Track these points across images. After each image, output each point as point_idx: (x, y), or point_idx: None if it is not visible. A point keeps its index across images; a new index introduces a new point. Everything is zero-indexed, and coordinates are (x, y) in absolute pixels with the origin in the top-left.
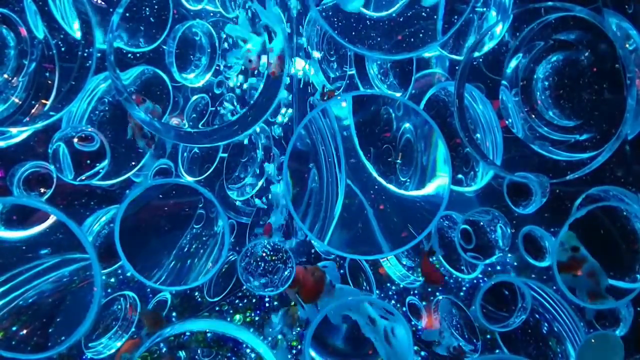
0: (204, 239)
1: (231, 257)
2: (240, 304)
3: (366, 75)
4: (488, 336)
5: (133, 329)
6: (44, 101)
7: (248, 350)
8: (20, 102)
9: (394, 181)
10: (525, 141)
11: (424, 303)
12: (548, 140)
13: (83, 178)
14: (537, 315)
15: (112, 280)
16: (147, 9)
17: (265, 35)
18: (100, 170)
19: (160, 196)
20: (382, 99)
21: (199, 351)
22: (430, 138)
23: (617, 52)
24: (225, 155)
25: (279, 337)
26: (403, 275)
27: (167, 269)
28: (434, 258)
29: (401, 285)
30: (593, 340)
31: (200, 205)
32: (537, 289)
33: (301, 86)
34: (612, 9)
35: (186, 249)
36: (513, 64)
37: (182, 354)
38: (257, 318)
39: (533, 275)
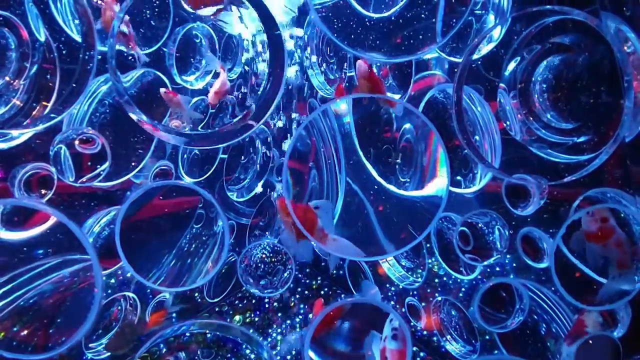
0: (203, 239)
1: (231, 258)
2: (240, 305)
3: None
4: (487, 337)
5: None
6: (45, 103)
7: (248, 351)
8: (22, 105)
9: (394, 181)
10: (523, 143)
11: (423, 304)
12: (546, 142)
13: (84, 180)
14: (535, 317)
15: (112, 281)
16: (148, 12)
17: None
18: (101, 172)
19: (161, 197)
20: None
21: (198, 352)
22: (429, 139)
23: (614, 55)
24: (226, 156)
25: (279, 337)
26: (402, 276)
27: (166, 270)
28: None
29: (400, 286)
30: (591, 342)
31: (200, 206)
32: (535, 290)
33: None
34: (610, 12)
35: (185, 249)
36: (511, 66)
37: (182, 354)
38: (256, 319)
39: (532, 276)
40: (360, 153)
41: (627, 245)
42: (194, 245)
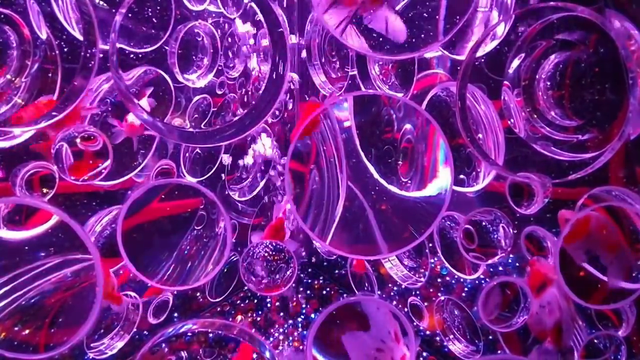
0: (204, 240)
1: (233, 257)
2: (242, 305)
3: (368, 75)
4: (490, 337)
5: (135, 329)
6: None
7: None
8: (23, 103)
9: (395, 182)
10: (528, 141)
11: (425, 304)
12: (550, 140)
13: (86, 178)
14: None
15: None
16: (150, 9)
17: None
18: (103, 171)
19: (164, 197)
20: (384, 99)
21: (200, 351)
22: (431, 138)
23: (619, 52)
24: (227, 155)
25: (281, 337)
26: (405, 275)
27: (168, 269)
28: None
29: (403, 286)
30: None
31: (201, 207)
32: None
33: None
34: (614, 9)
35: (187, 250)
36: (515, 64)
37: (183, 354)
38: (258, 319)
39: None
40: (362, 153)
41: (610, 225)
42: (195, 246)
